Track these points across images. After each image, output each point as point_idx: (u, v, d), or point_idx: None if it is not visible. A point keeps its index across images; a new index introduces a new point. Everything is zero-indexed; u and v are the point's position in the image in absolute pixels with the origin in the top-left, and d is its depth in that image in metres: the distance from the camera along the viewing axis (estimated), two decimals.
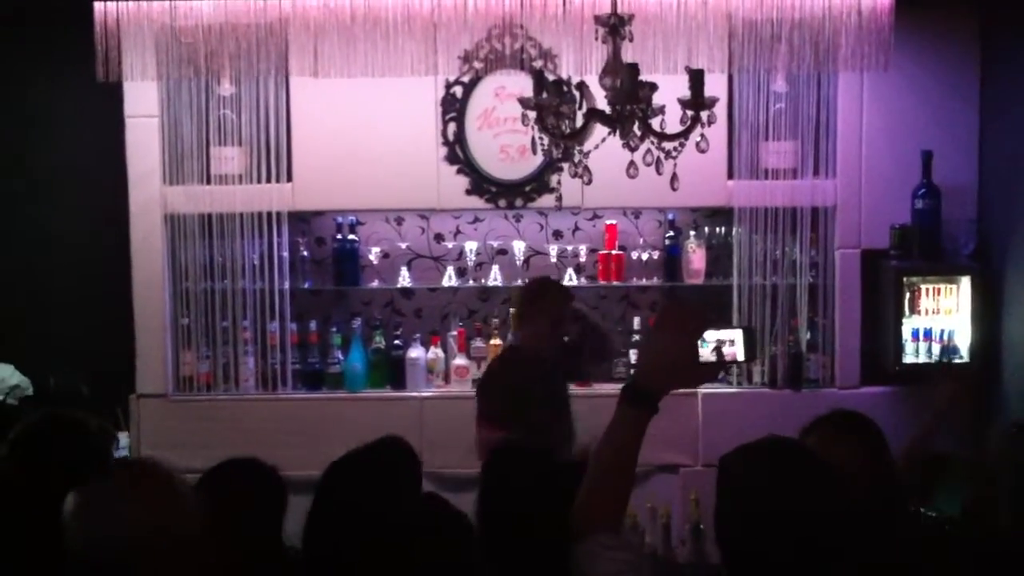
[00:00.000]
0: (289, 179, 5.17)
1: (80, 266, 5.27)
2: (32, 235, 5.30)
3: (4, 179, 5.31)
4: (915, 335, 5.10)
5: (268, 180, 5.17)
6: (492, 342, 5.19)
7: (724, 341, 1.93)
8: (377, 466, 2.83)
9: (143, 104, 5.10)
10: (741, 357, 1.97)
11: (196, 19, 4.89)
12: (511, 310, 4.92)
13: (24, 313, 5.22)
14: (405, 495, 2.81)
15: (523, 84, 4.79)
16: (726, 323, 1.84)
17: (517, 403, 4.15)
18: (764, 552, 1.79)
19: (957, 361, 5.07)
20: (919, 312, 5.11)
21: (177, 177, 5.15)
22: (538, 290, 4.42)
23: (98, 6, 4.87)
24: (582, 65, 4.73)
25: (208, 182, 5.18)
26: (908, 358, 5.09)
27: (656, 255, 5.31)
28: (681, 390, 1.93)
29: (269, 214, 5.18)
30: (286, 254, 5.21)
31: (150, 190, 5.12)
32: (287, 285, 5.21)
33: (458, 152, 5.18)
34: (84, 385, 4.73)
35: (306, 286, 5.31)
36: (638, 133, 3.33)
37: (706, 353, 1.90)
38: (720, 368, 2.13)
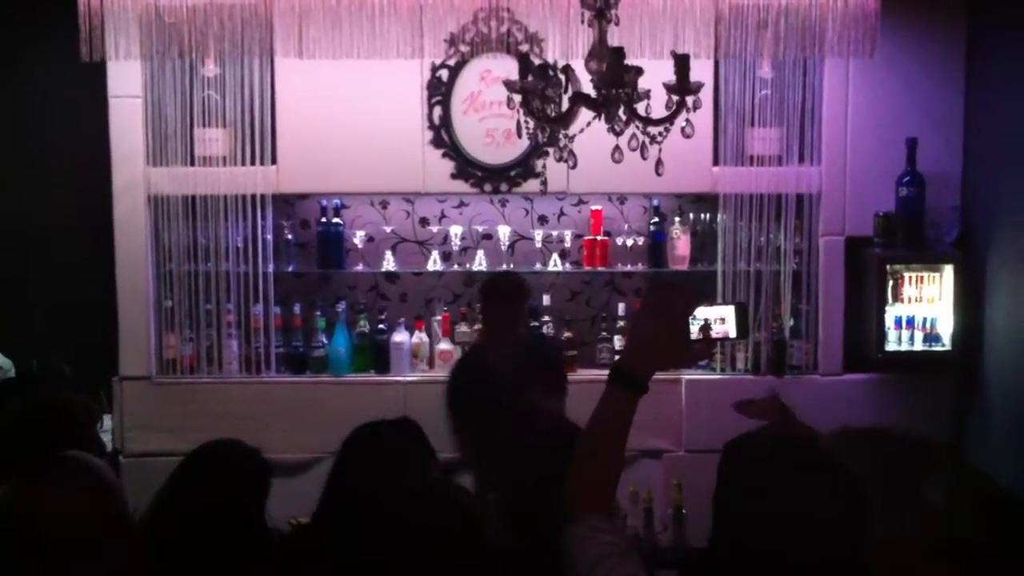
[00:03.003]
0: (274, 161, 5.15)
1: (63, 247, 5.24)
2: (15, 215, 5.26)
3: None
4: (898, 323, 5.12)
5: (253, 162, 5.14)
6: (476, 327, 5.19)
7: (715, 319, 1.91)
8: (390, 446, 2.84)
9: (127, 84, 5.06)
10: (733, 334, 1.95)
11: None
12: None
13: (7, 294, 5.19)
14: (415, 477, 2.82)
15: (509, 68, 4.75)
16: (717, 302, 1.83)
17: (455, 409, 4.30)
18: (765, 548, 1.77)
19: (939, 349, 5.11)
20: (902, 300, 5.13)
21: (161, 158, 5.12)
22: (487, 289, 4.52)
23: None
24: (568, 49, 4.73)
25: (192, 163, 5.15)
26: (891, 346, 5.11)
27: (641, 241, 5.31)
28: (665, 373, 1.92)
29: (253, 196, 5.15)
30: (270, 237, 5.19)
31: (134, 171, 5.09)
32: (271, 268, 5.19)
33: (443, 136, 5.17)
34: (66, 366, 4.71)
35: (290, 269, 5.29)
36: (623, 118, 3.32)
37: (698, 330, 1.89)
38: (711, 346, 2.11)
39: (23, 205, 5.27)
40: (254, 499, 2.65)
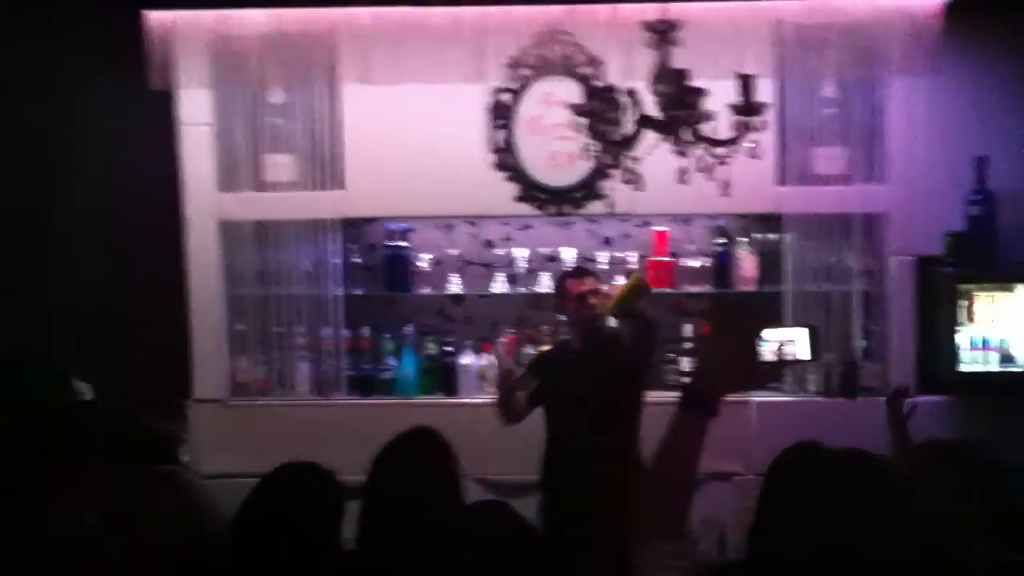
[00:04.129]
0: (341, 186, 5.22)
1: (137, 273, 5.31)
2: (89, 243, 5.36)
3: (64, 187, 5.39)
4: (971, 344, 5.03)
5: (320, 187, 5.21)
6: (543, 348, 5.19)
7: (786, 341, 1.91)
8: (410, 458, 2.89)
9: (197, 112, 5.17)
10: (806, 356, 1.94)
11: (248, 28, 4.96)
12: None
13: (83, 319, 5.28)
14: (442, 488, 2.85)
15: (571, 90, 4.82)
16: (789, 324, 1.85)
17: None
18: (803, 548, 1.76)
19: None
20: (974, 320, 5.03)
21: (231, 184, 5.22)
22: (555, 284, 4.68)
23: (152, 15, 4.96)
24: (629, 71, 4.71)
25: (261, 189, 5.24)
26: (964, 367, 5.02)
27: (706, 262, 5.29)
28: (736, 396, 1.90)
29: (321, 221, 5.23)
30: (338, 260, 5.26)
31: (205, 197, 5.20)
32: (340, 291, 5.26)
33: (507, 159, 5.20)
34: (87, 388, 4.71)
35: (358, 292, 5.35)
36: (689, 139, 3.33)
37: (768, 353, 1.88)
38: (782, 368, 2.11)
39: (97, 231, 5.36)
40: (329, 520, 2.68)
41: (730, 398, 1.88)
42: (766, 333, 1.89)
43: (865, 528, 1.73)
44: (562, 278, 4.60)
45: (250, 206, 5.22)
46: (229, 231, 5.24)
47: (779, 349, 1.90)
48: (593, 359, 4.39)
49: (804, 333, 1.93)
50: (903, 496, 1.80)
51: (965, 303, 5.03)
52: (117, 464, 2.69)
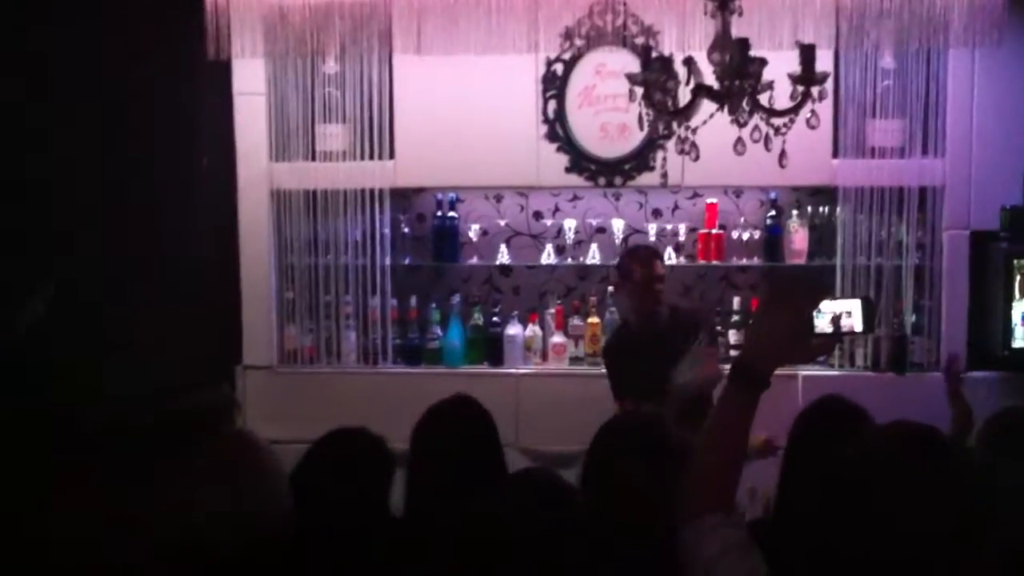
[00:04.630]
0: (391, 156, 5.23)
1: (189, 240, 5.36)
2: (141, 210, 5.40)
3: (116, 156, 5.42)
4: None
5: (371, 157, 5.24)
6: (590, 320, 5.20)
7: (841, 312, 1.89)
8: (448, 422, 2.88)
9: (251, 82, 5.21)
10: (859, 328, 1.92)
11: None
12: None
13: (133, 287, 5.33)
14: (482, 450, 2.84)
15: (624, 61, 4.79)
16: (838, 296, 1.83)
17: (627, 377, 4.26)
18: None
19: None
20: None
21: (283, 154, 5.26)
22: (619, 263, 4.45)
23: None
24: (684, 41, 4.69)
25: (313, 159, 5.27)
26: (1017, 343, 4.95)
27: (757, 235, 5.25)
28: (782, 369, 1.88)
29: (371, 191, 5.25)
30: (387, 230, 5.28)
31: (258, 166, 5.24)
32: (388, 261, 5.28)
33: (558, 130, 5.18)
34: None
35: (406, 262, 5.37)
36: (747, 109, 3.29)
37: (822, 324, 1.87)
38: (837, 340, 2.09)
39: (149, 200, 5.40)
40: (378, 487, 2.69)
41: (776, 371, 1.85)
42: (822, 305, 1.88)
43: (912, 502, 1.70)
44: (627, 258, 4.35)
45: (302, 175, 5.25)
46: (281, 200, 5.28)
47: (834, 321, 1.89)
48: (656, 346, 4.31)
49: (858, 305, 1.91)
50: (958, 470, 1.77)
51: (1020, 278, 4.96)
52: (173, 434, 2.71)
